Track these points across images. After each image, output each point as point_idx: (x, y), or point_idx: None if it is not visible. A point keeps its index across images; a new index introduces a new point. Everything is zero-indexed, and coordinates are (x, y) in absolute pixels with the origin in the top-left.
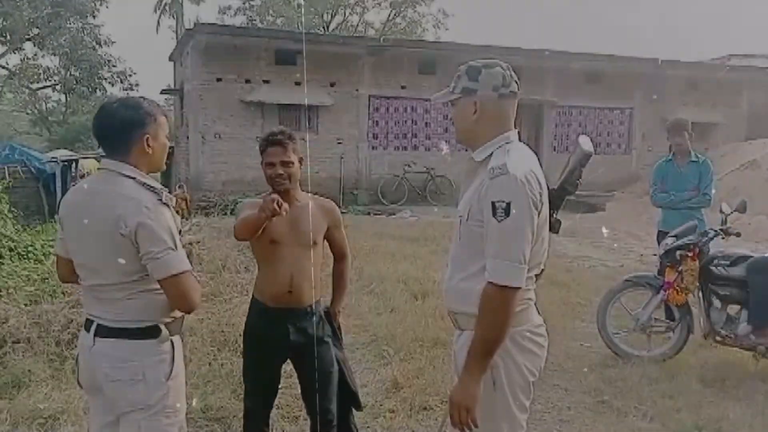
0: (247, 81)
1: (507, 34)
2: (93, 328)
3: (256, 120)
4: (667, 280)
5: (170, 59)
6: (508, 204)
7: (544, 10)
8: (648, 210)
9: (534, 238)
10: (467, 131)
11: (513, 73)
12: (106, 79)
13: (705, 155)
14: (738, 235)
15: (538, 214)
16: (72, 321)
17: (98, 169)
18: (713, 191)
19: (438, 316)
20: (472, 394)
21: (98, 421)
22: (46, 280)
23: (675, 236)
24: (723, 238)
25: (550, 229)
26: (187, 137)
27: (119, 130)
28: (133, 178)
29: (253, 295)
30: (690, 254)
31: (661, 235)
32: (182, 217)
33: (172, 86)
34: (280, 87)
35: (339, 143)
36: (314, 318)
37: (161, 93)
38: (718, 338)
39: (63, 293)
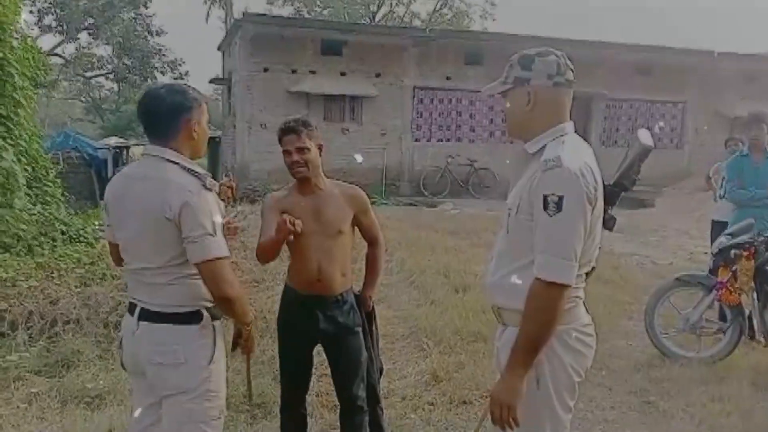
0: (294, 71)
1: (556, 25)
2: (137, 312)
3: (302, 110)
4: (720, 280)
5: (219, 49)
6: (561, 198)
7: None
8: (700, 206)
9: (586, 235)
10: (520, 122)
11: (568, 61)
12: (157, 68)
13: None
14: None
15: (592, 209)
16: (120, 304)
17: (142, 154)
18: None
19: (479, 310)
20: (515, 392)
21: (141, 402)
22: (96, 264)
23: (730, 234)
24: None
25: (603, 226)
26: (234, 126)
27: (166, 114)
28: (177, 164)
29: (285, 283)
30: (745, 253)
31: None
32: (228, 205)
33: (221, 76)
34: (326, 77)
35: (383, 134)
36: (345, 306)
37: (210, 82)
38: None
39: (112, 276)
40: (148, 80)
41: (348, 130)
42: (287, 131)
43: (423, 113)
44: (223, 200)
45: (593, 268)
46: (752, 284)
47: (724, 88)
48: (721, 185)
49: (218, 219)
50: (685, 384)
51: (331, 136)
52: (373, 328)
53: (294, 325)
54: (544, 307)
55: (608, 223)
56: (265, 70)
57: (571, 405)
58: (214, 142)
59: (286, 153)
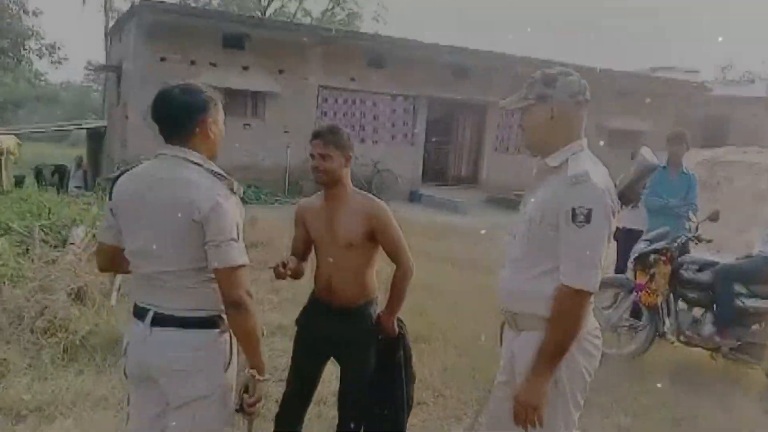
0: (193, 63)
1: (448, 32)
2: (149, 317)
3: None
4: (639, 283)
5: (108, 35)
6: (590, 211)
7: (486, 10)
8: None
9: (607, 245)
10: (540, 137)
11: (585, 82)
12: (33, 50)
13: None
14: (709, 241)
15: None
16: (46, 308)
17: (158, 154)
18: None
19: (416, 312)
20: (541, 394)
21: (146, 413)
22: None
23: (648, 240)
24: (696, 244)
25: None
26: (126, 117)
27: (181, 115)
28: (200, 165)
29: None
30: (663, 258)
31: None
32: None
33: (105, 62)
34: (227, 71)
35: (286, 132)
36: (357, 319)
37: (96, 69)
38: (682, 338)
39: (22, 276)
40: (23, 63)
41: (250, 125)
42: (315, 135)
43: (328, 112)
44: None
45: None
46: (667, 287)
47: (604, 102)
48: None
49: (241, 224)
50: (613, 380)
51: (232, 131)
52: (399, 356)
53: (307, 327)
54: (571, 313)
55: None
56: (162, 60)
57: (581, 403)
58: (98, 133)
59: (311, 157)
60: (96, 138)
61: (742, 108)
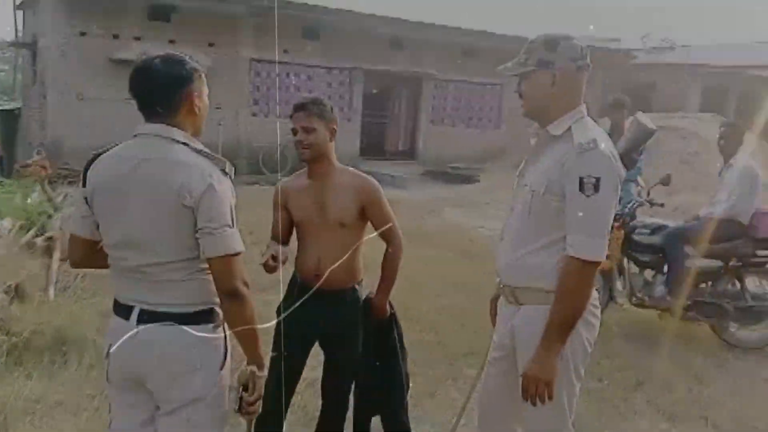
0: (116, 37)
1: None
2: (134, 314)
3: (126, 80)
4: None
5: (19, 7)
6: (598, 179)
7: None
8: None
9: (613, 214)
10: (541, 104)
11: (585, 46)
12: None
13: None
14: (662, 205)
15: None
16: None
17: (137, 134)
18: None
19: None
20: (553, 369)
21: (132, 420)
22: None
23: None
24: (650, 207)
25: None
26: (45, 97)
27: (164, 88)
28: (186, 144)
29: (294, 268)
30: (616, 224)
31: None
32: (43, 186)
33: (19, 38)
34: (153, 45)
35: (217, 108)
36: (347, 303)
37: (6, 47)
38: (634, 301)
39: None
40: None
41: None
42: (297, 108)
43: (261, 87)
44: (36, 180)
45: None
46: (620, 251)
47: None
48: None
49: (234, 209)
50: None
51: None
52: (393, 336)
53: (293, 313)
54: (579, 285)
55: None
56: (83, 34)
57: (582, 373)
58: (12, 115)
59: (294, 131)
60: (9, 121)
61: (664, 75)
